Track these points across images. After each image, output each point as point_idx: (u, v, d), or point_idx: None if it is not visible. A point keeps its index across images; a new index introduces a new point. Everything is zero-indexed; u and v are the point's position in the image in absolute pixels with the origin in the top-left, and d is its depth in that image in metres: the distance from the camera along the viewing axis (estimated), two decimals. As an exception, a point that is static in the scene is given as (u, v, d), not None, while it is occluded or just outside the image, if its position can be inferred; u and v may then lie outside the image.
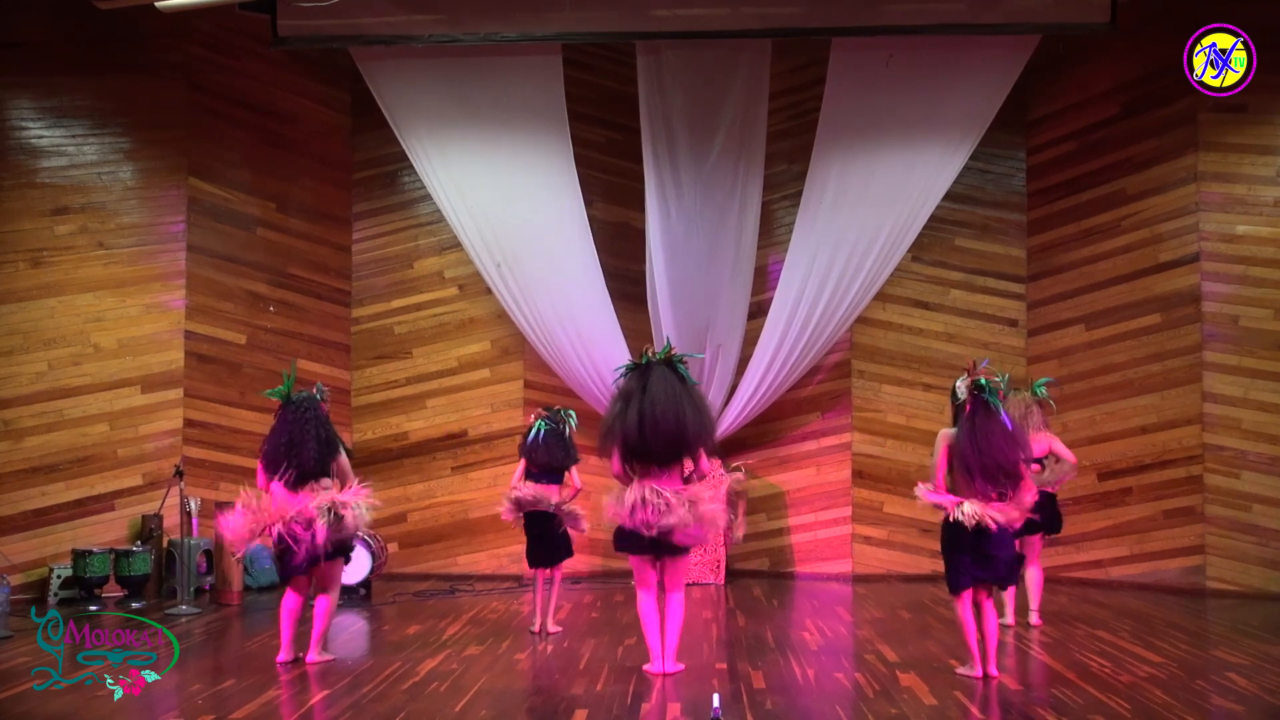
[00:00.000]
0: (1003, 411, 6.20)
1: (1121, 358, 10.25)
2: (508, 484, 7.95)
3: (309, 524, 6.49)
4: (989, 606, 6.27)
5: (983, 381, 6.24)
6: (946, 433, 6.31)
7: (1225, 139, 9.80)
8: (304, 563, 6.57)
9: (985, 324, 10.91)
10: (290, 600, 6.74)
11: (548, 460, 7.69)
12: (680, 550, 6.35)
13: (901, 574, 10.65)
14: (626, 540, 6.33)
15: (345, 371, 11.12)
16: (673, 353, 6.51)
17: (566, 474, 7.75)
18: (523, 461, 7.79)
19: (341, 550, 6.78)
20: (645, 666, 6.46)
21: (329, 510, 6.56)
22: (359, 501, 6.70)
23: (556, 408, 7.99)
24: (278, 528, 6.52)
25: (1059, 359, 10.61)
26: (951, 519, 6.13)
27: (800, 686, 6.17)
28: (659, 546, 6.26)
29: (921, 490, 6.28)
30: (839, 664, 6.79)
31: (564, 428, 7.81)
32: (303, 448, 6.64)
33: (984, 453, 6.09)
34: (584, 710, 5.56)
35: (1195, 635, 7.71)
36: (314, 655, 6.77)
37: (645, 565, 6.39)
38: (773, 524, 11.05)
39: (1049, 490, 7.81)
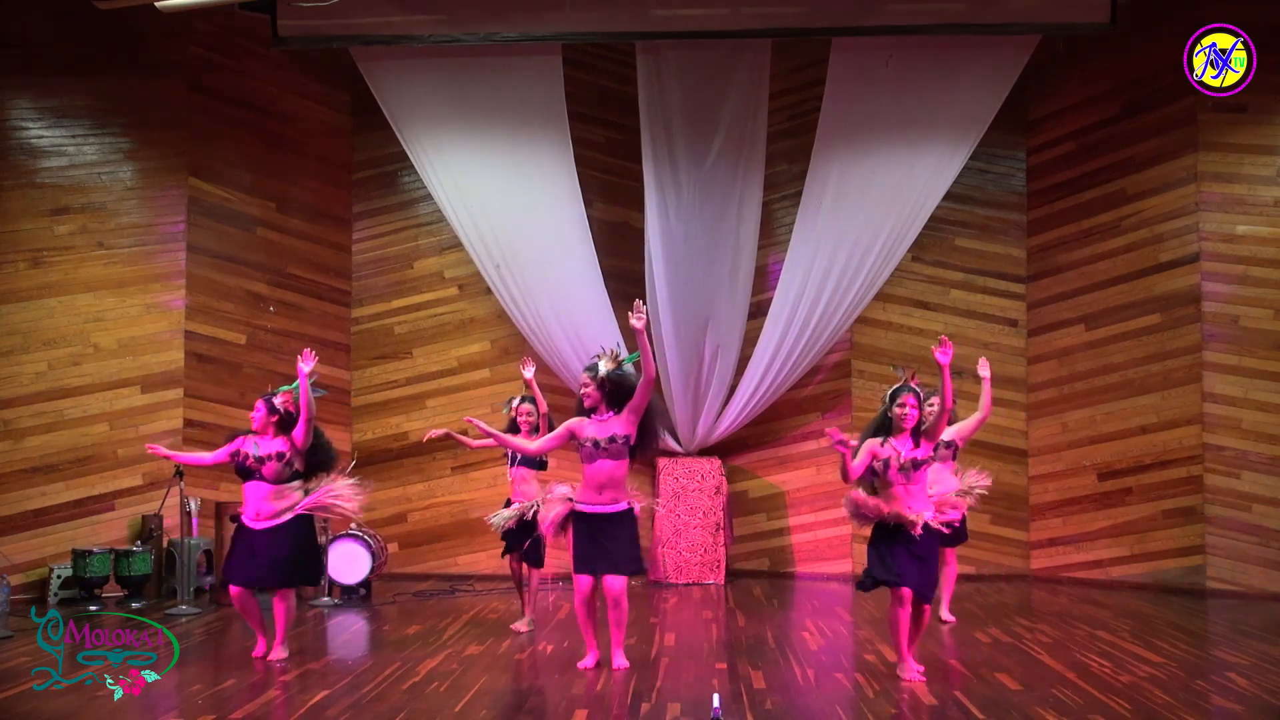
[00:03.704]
0: None
1: (1121, 358, 10.24)
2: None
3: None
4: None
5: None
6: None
7: (1225, 139, 9.79)
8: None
9: (985, 324, 10.90)
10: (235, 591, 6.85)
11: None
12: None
13: (901, 574, 10.63)
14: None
15: (345, 371, 11.12)
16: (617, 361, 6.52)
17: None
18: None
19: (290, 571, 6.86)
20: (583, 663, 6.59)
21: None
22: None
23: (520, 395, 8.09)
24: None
25: (1059, 359, 10.61)
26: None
27: (800, 686, 6.17)
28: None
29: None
30: (839, 664, 6.80)
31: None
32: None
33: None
34: (584, 710, 5.57)
35: (1195, 635, 7.71)
36: (276, 653, 6.82)
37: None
38: (773, 524, 11.04)
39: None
